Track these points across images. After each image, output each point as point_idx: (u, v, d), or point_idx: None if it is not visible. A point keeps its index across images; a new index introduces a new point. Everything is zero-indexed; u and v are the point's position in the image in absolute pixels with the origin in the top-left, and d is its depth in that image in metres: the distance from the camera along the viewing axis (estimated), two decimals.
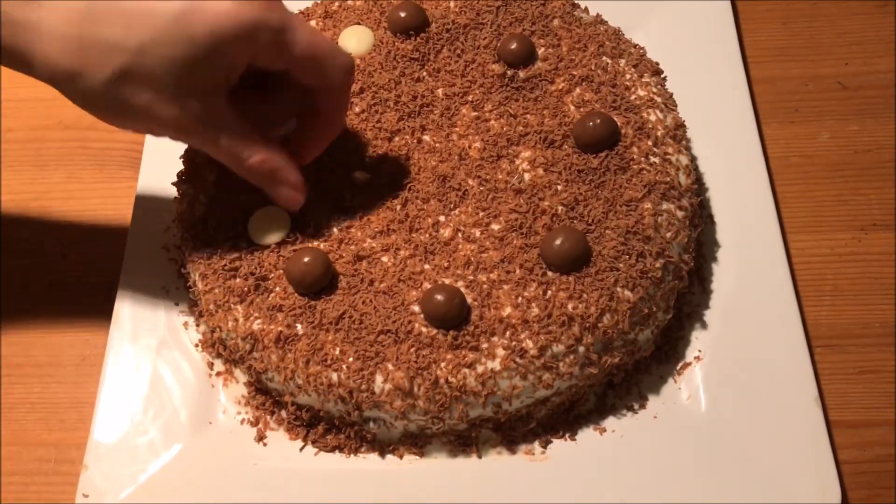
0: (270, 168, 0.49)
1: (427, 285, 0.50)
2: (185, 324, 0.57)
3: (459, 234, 0.52)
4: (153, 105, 0.44)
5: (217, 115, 0.47)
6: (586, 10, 0.61)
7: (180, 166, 0.57)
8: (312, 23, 0.61)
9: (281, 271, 0.51)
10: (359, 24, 0.60)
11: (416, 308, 0.50)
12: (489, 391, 0.48)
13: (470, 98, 0.57)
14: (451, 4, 0.60)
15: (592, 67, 0.57)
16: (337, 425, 0.52)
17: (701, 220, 0.57)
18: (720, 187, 0.59)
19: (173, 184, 0.56)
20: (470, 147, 0.55)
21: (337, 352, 0.49)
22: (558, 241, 0.50)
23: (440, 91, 0.57)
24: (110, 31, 0.43)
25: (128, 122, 0.46)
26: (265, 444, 0.53)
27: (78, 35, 0.43)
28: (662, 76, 0.58)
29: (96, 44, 0.43)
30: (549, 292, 0.50)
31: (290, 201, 0.51)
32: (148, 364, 0.55)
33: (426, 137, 0.56)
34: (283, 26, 0.46)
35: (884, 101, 0.65)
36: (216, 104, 0.46)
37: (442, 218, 0.53)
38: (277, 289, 0.51)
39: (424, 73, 0.58)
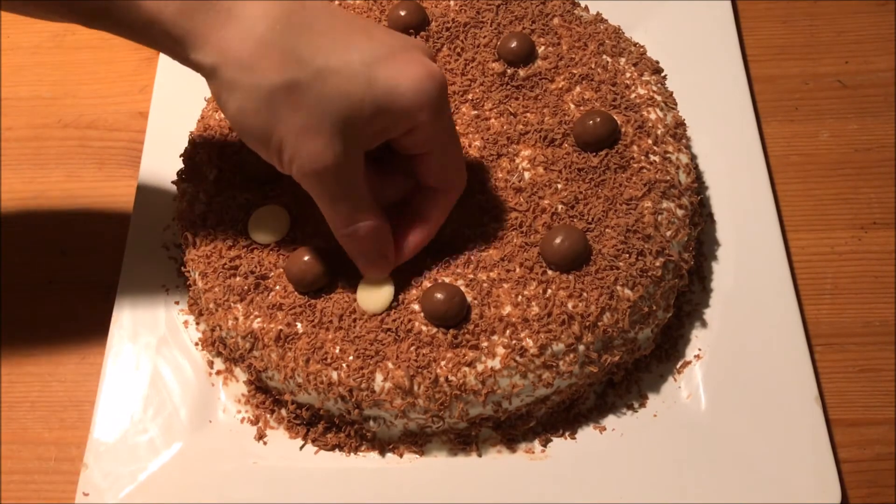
0: (377, 240, 0.48)
1: (427, 284, 0.50)
2: (185, 322, 0.57)
3: (459, 233, 0.52)
4: (304, 131, 0.43)
5: (352, 170, 0.45)
6: (586, 8, 0.61)
7: (180, 165, 0.57)
8: None
9: (281, 270, 0.51)
10: None
11: (416, 306, 0.50)
12: (489, 390, 0.48)
13: (470, 96, 0.57)
14: (451, 3, 0.60)
15: (592, 66, 0.57)
16: (337, 424, 0.52)
17: (701, 218, 0.57)
18: (720, 186, 0.59)
19: (173, 182, 0.56)
20: (470, 145, 0.55)
21: (337, 350, 0.49)
22: (558, 240, 0.50)
23: None
24: (303, 43, 0.43)
25: (269, 141, 0.44)
26: (265, 443, 0.53)
27: (267, 34, 0.42)
28: (662, 75, 0.58)
29: (283, 49, 0.42)
30: (549, 291, 0.50)
31: (375, 274, 0.50)
32: (148, 363, 0.55)
33: None
34: (443, 119, 0.46)
35: (884, 99, 0.65)
36: (356, 159, 0.45)
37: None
38: (277, 287, 0.51)
39: None
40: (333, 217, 0.47)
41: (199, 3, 0.42)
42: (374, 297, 0.50)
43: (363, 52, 0.43)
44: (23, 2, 0.45)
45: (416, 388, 0.48)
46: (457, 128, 0.55)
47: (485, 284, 0.50)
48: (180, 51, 0.44)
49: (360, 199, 0.46)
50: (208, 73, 0.44)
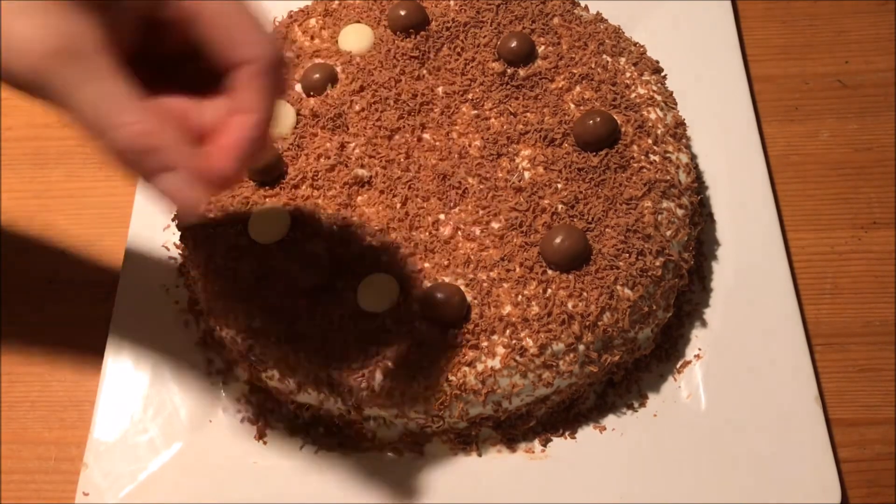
0: (150, 144, 0.36)
1: (427, 283, 0.50)
2: (185, 322, 0.57)
3: (459, 233, 0.52)
4: (9, 11, 0.33)
5: (89, 49, 0.34)
6: (586, 8, 0.61)
7: None
8: (312, 21, 0.61)
9: (281, 269, 0.51)
10: (359, 22, 0.60)
11: (416, 306, 0.50)
12: (489, 389, 0.48)
13: (470, 96, 0.57)
14: (451, 3, 0.60)
15: (592, 66, 0.57)
16: (337, 423, 0.52)
17: (701, 218, 0.57)
18: (720, 185, 0.59)
19: None
20: (470, 145, 0.55)
21: (337, 350, 0.49)
22: (558, 240, 0.50)
23: (440, 89, 0.57)
24: None
25: None
26: (265, 443, 0.53)
27: None
28: (662, 74, 0.58)
29: None
30: (549, 290, 0.50)
31: (178, 197, 0.37)
32: (148, 362, 0.55)
33: (426, 136, 0.56)
34: None
35: (884, 99, 0.65)
36: (93, 33, 0.35)
37: (442, 216, 0.53)
38: (277, 287, 0.51)
39: (424, 72, 0.58)
40: (87, 122, 0.35)
41: None
42: (378, 295, 0.49)
43: None
44: None
45: (416, 387, 0.48)
46: (457, 127, 0.56)
47: (485, 284, 0.50)
48: None
49: (111, 93, 0.35)
50: None
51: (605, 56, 0.57)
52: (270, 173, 0.48)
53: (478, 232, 0.52)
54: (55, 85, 0.35)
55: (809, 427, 0.50)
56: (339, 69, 0.58)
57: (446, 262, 0.51)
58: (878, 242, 0.60)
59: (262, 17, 0.38)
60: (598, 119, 0.53)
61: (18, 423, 0.56)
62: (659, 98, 0.56)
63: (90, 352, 0.57)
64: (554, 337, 0.48)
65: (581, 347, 0.49)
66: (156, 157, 0.36)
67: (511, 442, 0.52)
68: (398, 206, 0.53)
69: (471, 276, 0.50)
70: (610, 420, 0.53)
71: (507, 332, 0.49)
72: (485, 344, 0.48)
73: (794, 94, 0.66)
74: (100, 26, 0.35)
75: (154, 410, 0.53)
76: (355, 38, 0.59)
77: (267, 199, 0.54)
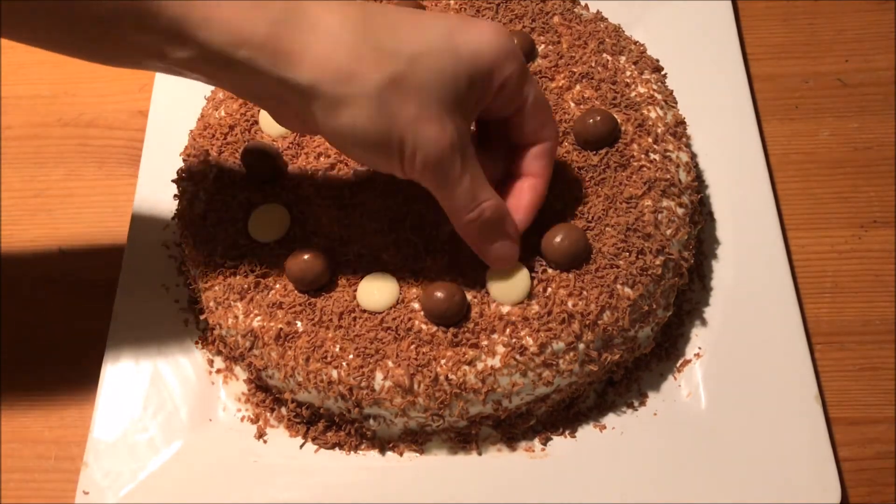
0: (500, 217, 0.47)
1: (427, 282, 0.50)
2: (186, 321, 0.57)
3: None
4: (418, 120, 0.43)
5: (466, 145, 0.45)
6: (586, 6, 0.61)
7: (180, 163, 0.57)
8: None
9: (281, 268, 0.51)
10: None
11: (416, 305, 0.50)
12: (489, 388, 0.48)
13: None
14: (451, 2, 0.60)
15: (592, 64, 0.57)
16: (337, 422, 0.52)
17: (701, 217, 0.57)
18: (720, 184, 0.59)
19: (173, 181, 0.56)
20: None
21: (337, 349, 0.49)
22: (558, 238, 0.50)
23: None
24: (387, 38, 0.43)
25: (390, 142, 0.43)
26: (265, 442, 0.53)
27: (354, 38, 0.42)
28: (663, 73, 0.58)
29: (374, 48, 0.42)
30: (549, 289, 0.49)
31: (506, 259, 0.49)
32: (148, 361, 0.55)
33: None
34: (525, 67, 0.46)
35: (884, 98, 0.65)
36: (466, 133, 0.45)
37: (442, 215, 0.53)
38: (277, 286, 0.51)
39: None
40: (457, 202, 0.46)
41: (284, 21, 0.42)
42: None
43: (438, 29, 0.44)
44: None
45: (416, 386, 0.48)
46: None
47: (485, 283, 0.50)
48: (271, 72, 0.42)
49: (479, 175, 0.46)
50: (306, 91, 0.42)
51: (605, 55, 0.57)
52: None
53: None
54: (449, 170, 0.45)
55: (809, 426, 0.50)
56: None
57: (446, 261, 0.51)
58: (878, 241, 0.60)
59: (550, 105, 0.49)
60: (599, 118, 0.53)
61: (18, 422, 0.56)
62: (659, 97, 0.56)
63: (90, 351, 0.57)
64: (554, 336, 0.48)
65: (581, 346, 0.49)
66: (503, 225, 0.48)
67: (511, 441, 0.52)
68: (398, 204, 0.53)
69: (471, 274, 0.50)
70: (610, 419, 0.52)
71: (507, 330, 0.49)
72: (485, 343, 0.48)
73: (795, 92, 0.66)
74: (469, 127, 0.46)
75: (154, 409, 0.53)
76: None
77: (267, 198, 0.54)
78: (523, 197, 0.49)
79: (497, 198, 0.47)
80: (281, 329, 0.50)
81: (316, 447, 0.52)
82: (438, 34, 0.44)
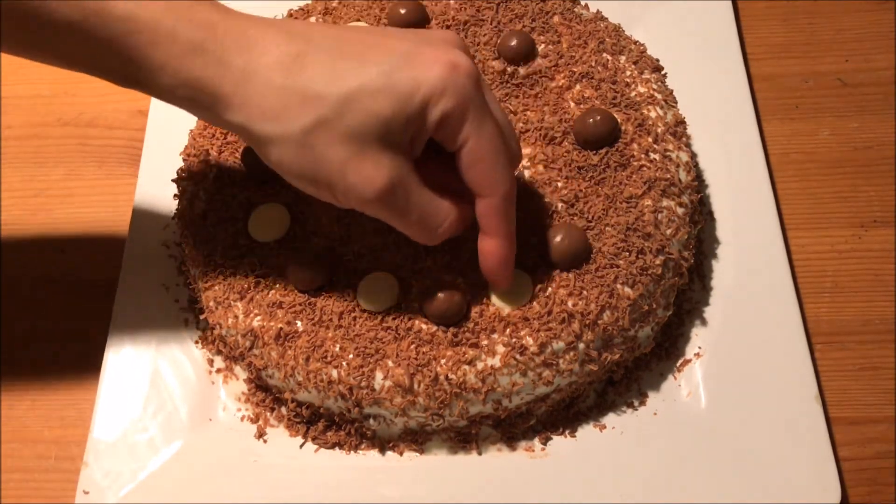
0: (461, 228, 0.47)
1: (427, 282, 0.50)
2: (186, 320, 0.57)
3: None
4: (347, 162, 0.43)
5: (407, 179, 0.45)
6: (586, 6, 0.61)
7: (180, 163, 0.57)
8: (312, 19, 0.61)
9: (281, 268, 0.51)
10: (359, 20, 0.60)
11: (416, 305, 0.50)
12: (489, 388, 0.48)
13: None
14: (451, 1, 0.60)
15: (592, 64, 0.57)
16: (337, 422, 0.52)
17: (701, 216, 0.57)
18: (720, 184, 0.59)
19: (173, 181, 0.56)
20: None
21: (337, 348, 0.49)
22: (558, 238, 0.50)
23: None
24: (319, 79, 0.43)
25: (318, 182, 0.44)
26: (265, 441, 0.53)
27: (283, 81, 0.42)
28: (663, 73, 0.58)
29: (301, 91, 0.42)
30: (549, 289, 0.49)
31: (503, 275, 0.48)
32: (148, 361, 0.55)
33: None
34: (471, 107, 0.44)
35: (884, 97, 0.65)
36: (406, 168, 0.45)
37: None
38: (277, 285, 0.51)
39: None
40: (414, 233, 0.46)
41: (220, 64, 0.43)
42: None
43: (380, 65, 0.43)
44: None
45: (416, 386, 0.48)
46: None
47: (485, 282, 0.50)
48: (213, 113, 0.44)
49: (428, 202, 0.45)
50: (239, 129, 0.44)
51: (605, 54, 0.57)
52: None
53: (478, 230, 0.52)
54: (392, 205, 0.45)
55: (809, 425, 0.50)
56: None
57: (446, 261, 0.51)
58: (878, 241, 0.60)
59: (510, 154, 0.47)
60: (599, 117, 0.53)
61: (18, 422, 0.56)
62: (659, 96, 0.56)
63: (90, 350, 0.57)
64: (554, 335, 0.48)
65: (581, 346, 0.49)
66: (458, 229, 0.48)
67: (511, 440, 0.52)
68: None
69: (471, 274, 0.50)
70: (610, 418, 0.52)
71: (507, 330, 0.49)
72: (485, 342, 0.48)
73: (795, 92, 0.66)
74: (408, 161, 0.45)
75: (154, 409, 0.53)
76: None
77: (267, 198, 0.54)
78: (486, 261, 0.48)
79: (457, 208, 0.46)
80: (281, 329, 0.50)
81: (316, 447, 0.52)
82: (378, 72, 0.43)
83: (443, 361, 0.48)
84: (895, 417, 0.54)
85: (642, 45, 0.59)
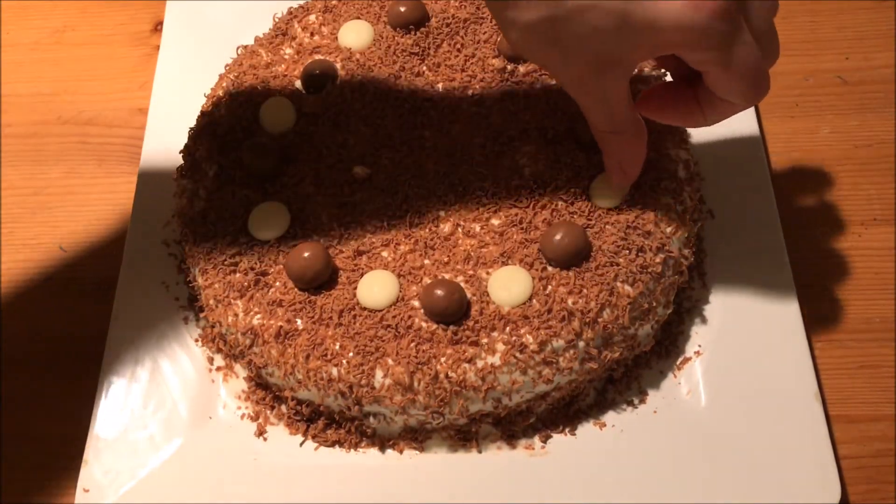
0: (626, 153, 0.50)
1: (427, 280, 0.50)
2: (185, 319, 0.57)
3: (459, 229, 0.52)
4: (561, 64, 0.45)
5: (613, 94, 0.47)
6: None
7: (180, 161, 0.57)
8: (312, 17, 0.61)
9: (281, 266, 0.51)
10: (359, 18, 0.60)
11: (416, 303, 0.50)
12: (489, 386, 0.48)
13: (470, 93, 0.57)
14: (452, 1, 0.60)
15: None
16: (337, 420, 0.52)
17: (701, 214, 0.57)
18: (720, 182, 0.59)
19: (173, 179, 0.56)
20: (470, 142, 0.55)
21: (337, 347, 0.49)
22: (558, 236, 0.50)
23: (440, 86, 0.57)
24: None
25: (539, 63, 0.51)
26: (265, 439, 0.53)
27: None
28: (663, 71, 0.58)
29: None
30: (549, 287, 0.49)
31: (621, 181, 0.52)
32: (148, 359, 0.55)
33: (426, 132, 0.56)
34: (724, 42, 0.42)
35: (884, 95, 0.65)
36: (617, 86, 0.46)
37: (442, 213, 0.53)
38: (277, 284, 0.51)
39: (424, 68, 0.58)
40: (593, 118, 0.49)
41: None
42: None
43: None
44: None
45: (416, 384, 0.48)
46: (457, 124, 0.56)
47: (484, 281, 0.50)
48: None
49: (620, 115, 0.48)
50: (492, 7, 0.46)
51: None
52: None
53: (478, 228, 0.52)
54: (582, 101, 0.48)
55: (809, 424, 0.50)
56: (338, 66, 0.58)
57: (446, 259, 0.51)
58: (878, 239, 0.59)
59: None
60: None
61: (19, 420, 0.56)
62: None
63: (90, 349, 0.57)
64: (554, 334, 0.48)
65: (581, 344, 0.49)
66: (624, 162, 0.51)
67: (511, 438, 0.52)
68: (398, 202, 0.53)
69: (471, 272, 0.50)
70: (610, 417, 0.52)
71: (507, 328, 0.49)
72: (485, 341, 0.48)
73: (795, 90, 0.66)
74: (623, 81, 0.46)
75: (154, 407, 0.53)
76: (355, 34, 0.59)
77: (267, 196, 0.54)
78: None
79: (632, 137, 0.49)
80: (281, 327, 0.50)
81: (316, 445, 0.53)
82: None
83: (443, 359, 0.48)
84: (895, 416, 0.54)
85: None
